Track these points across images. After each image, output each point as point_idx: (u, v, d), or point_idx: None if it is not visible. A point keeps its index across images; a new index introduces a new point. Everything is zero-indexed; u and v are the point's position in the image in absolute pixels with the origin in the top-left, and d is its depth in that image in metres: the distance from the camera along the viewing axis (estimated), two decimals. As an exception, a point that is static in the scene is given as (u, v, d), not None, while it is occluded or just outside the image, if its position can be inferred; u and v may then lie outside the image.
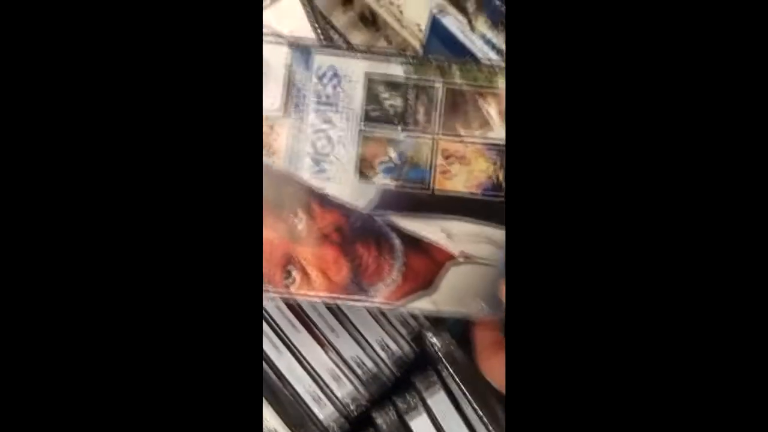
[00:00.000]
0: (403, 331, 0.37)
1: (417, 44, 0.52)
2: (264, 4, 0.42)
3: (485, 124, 0.31)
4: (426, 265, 0.30)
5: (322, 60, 0.31)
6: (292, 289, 0.30)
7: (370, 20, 0.54)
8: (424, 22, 0.52)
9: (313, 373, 0.37)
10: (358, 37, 0.53)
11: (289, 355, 0.37)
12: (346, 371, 0.37)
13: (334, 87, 0.31)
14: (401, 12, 0.53)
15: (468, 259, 0.30)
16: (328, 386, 0.37)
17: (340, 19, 0.54)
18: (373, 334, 0.37)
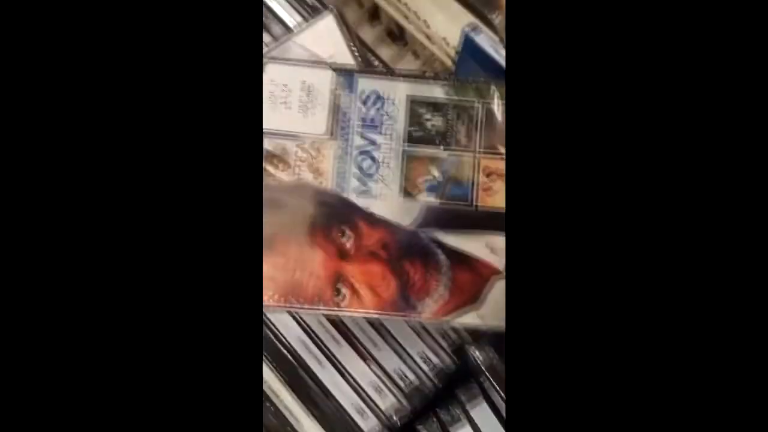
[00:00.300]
0: (444, 344, 0.39)
1: (445, 58, 0.53)
2: (300, 27, 0.43)
3: (525, 141, 0.32)
4: (472, 280, 0.32)
5: (365, 83, 0.33)
6: (343, 305, 0.32)
7: (397, 35, 0.55)
8: (450, 36, 0.54)
9: (356, 386, 0.38)
10: (385, 53, 0.55)
11: (331, 368, 0.39)
12: (389, 384, 0.38)
13: (378, 109, 0.32)
14: (428, 26, 0.54)
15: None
16: (371, 398, 0.38)
17: (368, 34, 0.55)
18: (415, 347, 0.39)
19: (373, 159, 0.32)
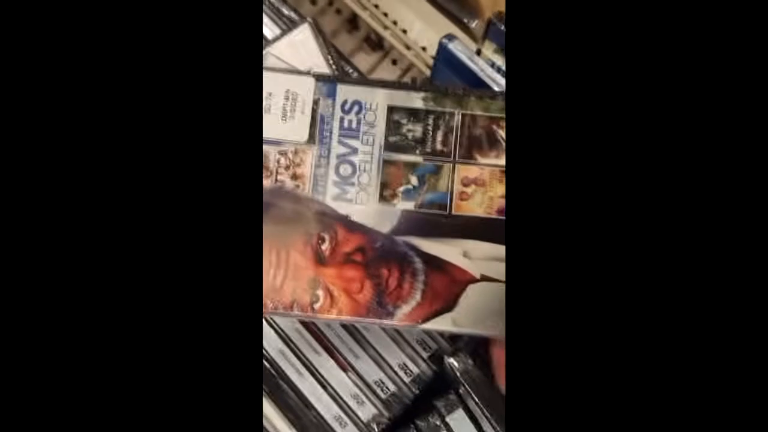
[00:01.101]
0: (422, 353, 0.41)
1: (423, 66, 0.56)
2: (274, 36, 0.46)
3: (500, 150, 0.35)
4: (447, 285, 0.34)
5: (346, 91, 0.35)
6: (319, 309, 0.34)
7: (375, 43, 0.58)
8: (428, 44, 0.56)
9: (336, 396, 0.40)
10: (364, 60, 0.58)
11: (311, 378, 0.41)
12: (368, 393, 0.40)
13: (357, 116, 0.35)
14: (406, 34, 0.57)
15: (487, 279, 0.34)
16: (350, 408, 0.40)
17: (347, 42, 0.58)
18: (393, 355, 0.41)
19: (352, 165, 0.35)
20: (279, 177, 0.34)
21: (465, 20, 0.56)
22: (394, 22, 0.56)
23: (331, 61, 0.43)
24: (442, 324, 0.34)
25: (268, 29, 0.48)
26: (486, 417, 0.39)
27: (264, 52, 0.42)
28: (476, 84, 0.43)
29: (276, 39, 0.44)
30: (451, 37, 0.45)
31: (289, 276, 0.34)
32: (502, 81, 0.43)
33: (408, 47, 0.55)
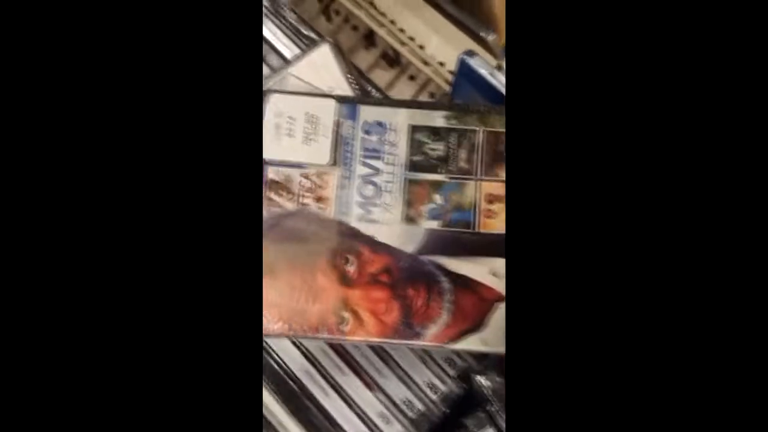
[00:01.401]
0: (450, 371, 0.41)
1: (441, 82, 0.56)
2: (294, 55, 0.46)
3: (525, 165, 0.35)
4: (474, 304, 0.34)
5: (368, 112, 0.35)
6: (346, 332, 0.34)
7: (393, 59, 0.58)
8: (446, 59, 0.56)
9: (363, 415, 0.40)
10: (381, 77, 0.58)
11: (337, 397, 0.41)
12: (396, 412, 0.40)
13: (380, 137, 0.35)
14: (423, 50, 0.57)
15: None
16: (378, 427, 0.40)
17: (364, 59, 0.58)
18: (420, 374, 0.41)
19: (375, 186, 0.35)
20: (303, 200, 0.35)
21: (482, 34, 0.56)
22: (411, 38, 0.57)
23: (352, 80, 0.44)
24: (472, 344, 0.34)
25: (287, 49, 0.48)
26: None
27: (285, 72, 0.43)
28: (498, 99, 0.43)
29: (296, 59, 0.44)
30: (470, 52, 0.45)
31: (315, 298, 0.34)
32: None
33: (426, 63, 0.56)
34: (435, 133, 0.35)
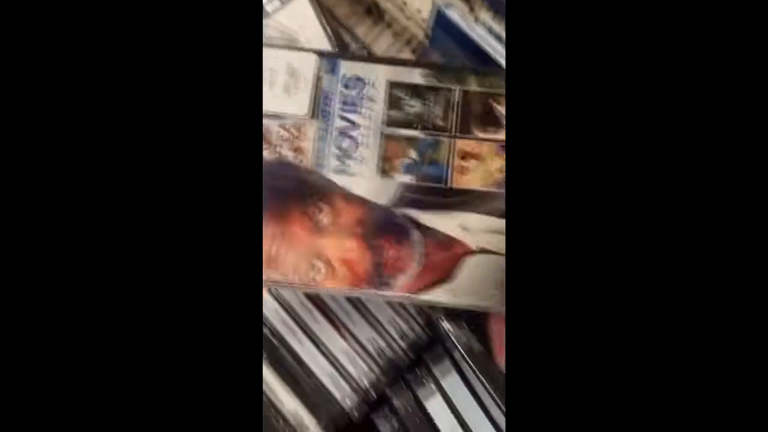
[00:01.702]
0: (419, 318, 0.42)
1: (421, 34, 0.56)
2: (274, 6, 0.46)
3: (498, 125, 0.36)
4: (445, 257, 0.36)
5: (348, 67, 0.36)
6: (318, 279, 0.35)
7: (375, 12, 0.58)
8: (426, 11, 0.56)
9: (332, 358, 0.42)
10: (363, 29, 0.58)
11: (309, 343, 0.42)
12: (364, 355, 0.42)
13: (359, 91, 0.36)
14: (405, 3, 0.57)
15: (484, 251, 0.35)
16: (345, 369, 0.42)
17: (345, 9, 0.58)
18: (390, 321, 0.43)
19: (352, 139, 0.36)
20: (280, 150, 0.35)
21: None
22: (394, -9, 0.56)
23: (329, 31, 0.44)
24: (441, 295, 0.36)
25: (268, 2, 0.48)
26: (481, 382, 0.40)
27: (263, 23, 0.43)
28: (475, 51, 0.44)
29: (276, 10, 0.44)
30: (448, 4, 0.45)
31: (289, 246, 0.35)
32: (501, 48, 0.44)
33: (408, 17, 0.56)
34: (413, 90, 0.36)
